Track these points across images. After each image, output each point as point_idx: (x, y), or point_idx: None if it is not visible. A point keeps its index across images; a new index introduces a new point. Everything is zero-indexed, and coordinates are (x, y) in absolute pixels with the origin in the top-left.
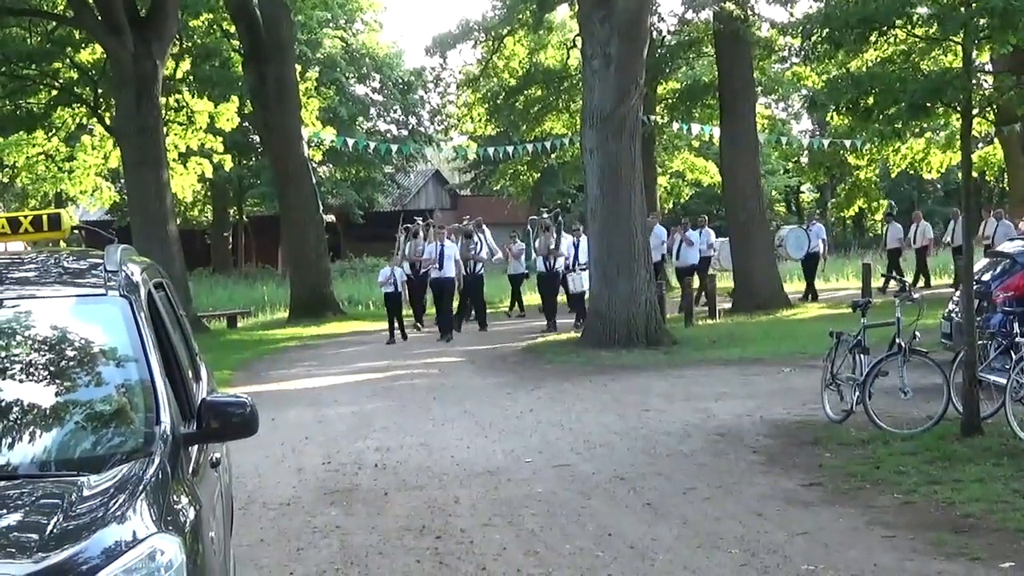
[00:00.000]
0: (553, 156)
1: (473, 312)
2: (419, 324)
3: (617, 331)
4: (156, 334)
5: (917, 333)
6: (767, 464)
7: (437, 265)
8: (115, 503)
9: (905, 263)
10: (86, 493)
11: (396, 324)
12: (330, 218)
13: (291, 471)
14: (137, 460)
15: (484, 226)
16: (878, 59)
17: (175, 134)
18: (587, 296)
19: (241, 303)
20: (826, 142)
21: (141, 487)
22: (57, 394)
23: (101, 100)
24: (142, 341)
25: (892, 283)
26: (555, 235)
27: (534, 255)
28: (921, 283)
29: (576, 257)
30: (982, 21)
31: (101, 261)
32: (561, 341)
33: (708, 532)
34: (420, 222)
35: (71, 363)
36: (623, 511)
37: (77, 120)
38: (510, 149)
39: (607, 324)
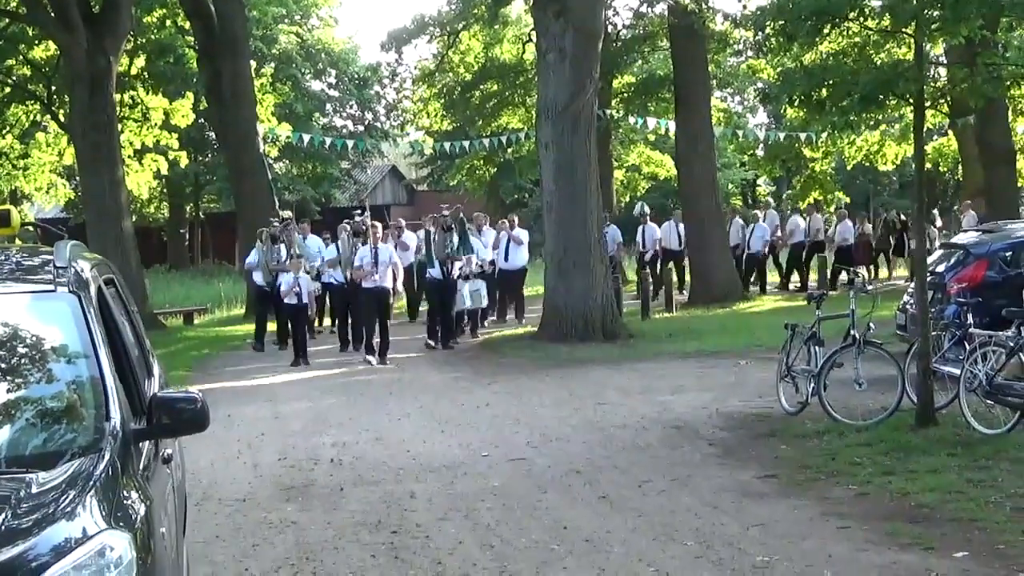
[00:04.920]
0: (509, 151)
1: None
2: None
3: (573, 325)
4: (106, 330)
5: (872, 325)
6: (723, 456)
7: (376, 273)
8: (64, 499)
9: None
10: (35, 490)
11: (300, 343)
12: (287, 214)
13: (247, 467)
14: (87, 456)
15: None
16: (832, 52)
17: (130, 131)
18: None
19: (198, 300)
20: (782, 135)
21: (91, 483)
22: (6, 391)
23: (55, 97)
24: (92, 337)
25: (844, 275)
26: (456, 237)
27: (435, 259)
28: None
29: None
30: (934, 13)
31: (51, 258)
32: (517, 335)
33: (663, 524)
34: (277, 223)
35: (20, 359)
36: (579, 504)
37: (31, 117)
38: (466, 144)
39: (563, 318)
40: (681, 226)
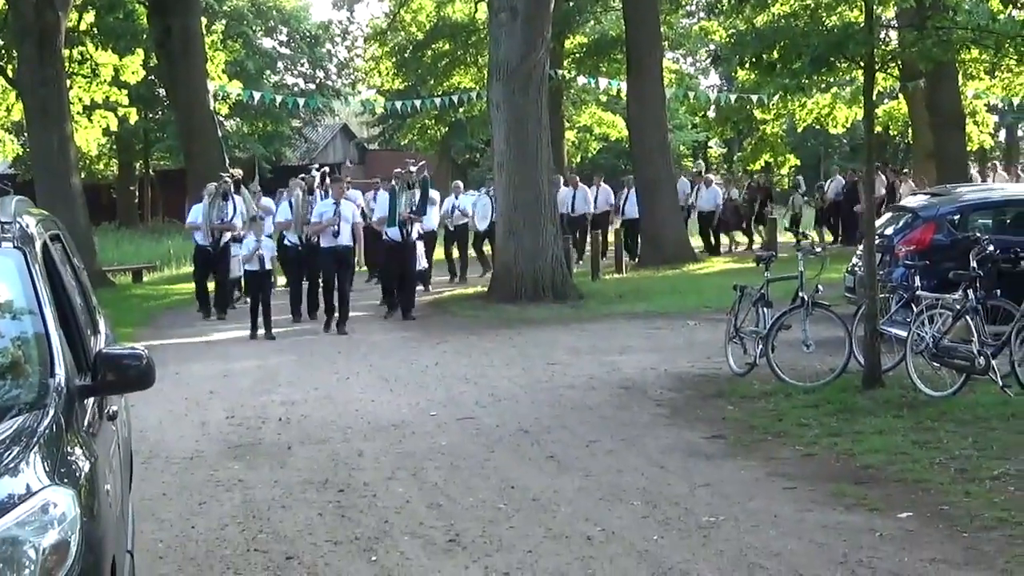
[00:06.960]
0: (461, 110)
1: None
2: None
3: (524, 285)
4: (52, 286)
5: (820, 287)
6: (670, 417)
7: (336, 230)
8: (7, 456)
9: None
10: None
11: (266, 313)
12: (237, 172)
13: (195, 425)
14: (31, 413)
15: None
16: (783, 14)
17: (79, 87)
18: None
19: (147, 257)
20: (733, 97)
21: (34, 440)
22: None
23: (3, 52)
24: (36, 293)
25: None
26: (419, 195)
27: (398, 218)
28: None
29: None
30: None
31: None
32: (467, 295)
33: (610, 484)
34: (228, 178)
35: None
36: (526, 464)
37: None
38: (418, 103)
39: (513, 278)
40: (585, 189)
